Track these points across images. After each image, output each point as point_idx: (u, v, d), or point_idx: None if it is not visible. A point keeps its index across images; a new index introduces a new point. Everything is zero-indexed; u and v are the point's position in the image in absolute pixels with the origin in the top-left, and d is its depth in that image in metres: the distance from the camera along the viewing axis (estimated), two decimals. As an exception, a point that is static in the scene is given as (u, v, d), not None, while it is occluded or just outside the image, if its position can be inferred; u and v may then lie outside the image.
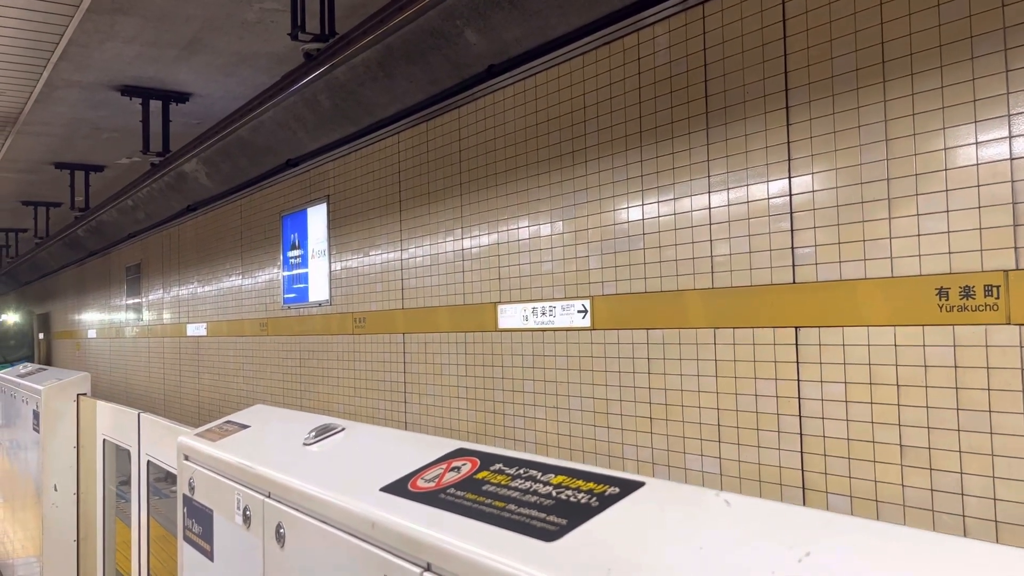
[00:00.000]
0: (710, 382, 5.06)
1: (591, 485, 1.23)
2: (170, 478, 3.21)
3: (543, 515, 1.18)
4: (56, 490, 4.65)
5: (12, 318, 26.67)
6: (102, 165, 13.56)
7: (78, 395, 4.70)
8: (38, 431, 4.78)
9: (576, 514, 1.15)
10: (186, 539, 2.33)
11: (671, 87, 5.32)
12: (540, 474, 1.32)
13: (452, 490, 1.38)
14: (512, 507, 1.24)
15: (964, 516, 3.84)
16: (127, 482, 3.90)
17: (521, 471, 1.35)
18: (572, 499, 1.20)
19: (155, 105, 9.81)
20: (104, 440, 4.30)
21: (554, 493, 1.24)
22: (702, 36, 5.10)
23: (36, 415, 4.85)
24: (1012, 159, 3.65)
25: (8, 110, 9.99)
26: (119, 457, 4.26)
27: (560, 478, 1.28)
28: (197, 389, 13.86)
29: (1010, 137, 3.65)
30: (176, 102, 9.84)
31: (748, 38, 4.82)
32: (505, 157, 6.77)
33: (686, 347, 5.21)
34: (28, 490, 5.20)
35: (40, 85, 8.96)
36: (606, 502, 1.16)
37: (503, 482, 1.33)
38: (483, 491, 1.33)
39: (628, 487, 1.18)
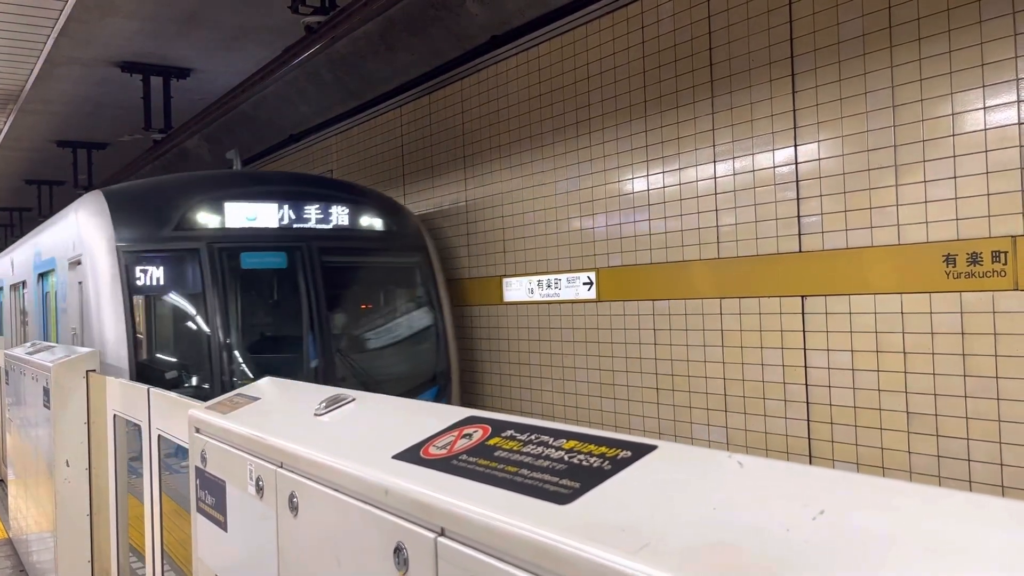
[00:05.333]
0: (716, 352, 5.07)
1: (603, 449, 1.23)
2: (180, 453, 3.23)
3: (556, 479, 1.19)
4: (68, 466, 4.68)
5: (371, 221, 7.04)
6: (104, 143, 13.52)
7: (87, 371, 4.72)
8: (48, 408, 4.81)
9: (589, 477, 1.15)
10: (200, 511, 2.35)
11: (675, 56, 5.28)
12: (552, 439, 1.32)
13: (464, 456, 1.38)
14: (525, 472, 1.25)
15: (970, 482, 3.86)
16: (137, 458, 3.92)
17: (532, 437, 1.36)
18: (584, 463, 1.21)
19: (156, 81, 9.76)
20: (115, 416, 4.32)
21: (566, 458, 1.25)
22: (706, 3, 5.04)
23: (46, 392, 4.88)
24: (1020, 124, 3.62)
25: (9, 88, 9.95)
26: (129, 432, 4.29)
27: (572, 443, 1.29)
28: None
29: (1019, 101, 3.62)
30: (177, 78, 9.79)
31: (753, 4, 4.77)
32: (508, 129, 6.73)
33: (692, 317, 5.22)
34: (40, 467, 5.24)
35: (40, 62, 8.92)
36: (619, 465, 1.17)
37: (515, 448, 1.34)
38: (495, 457, 1.34)
39: (640, 450, 1.19)
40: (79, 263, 6.42)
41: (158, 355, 6.31)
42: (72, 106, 10.98)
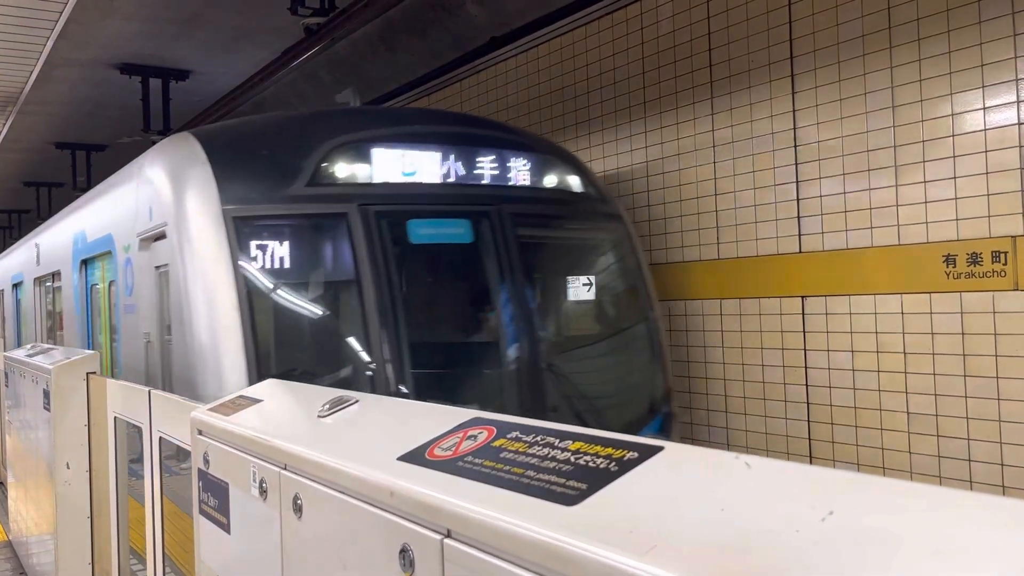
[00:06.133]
0: (716, 352, 5.07)
1: (609, 450, 1.23)
2: (180, 455, 3.23)
3: (562, 480, 1.19)
4: (68, 468, 4.67)
5: (562, 179, 4.87)
6: (103, 144, 13.50)
7: (87, 374, 4.71)
8: (49, 410, 4.80)
9: (596, 478, 1.16)
10: (202, 513, 2.35)
11: (675, 56, 5.28)
12: (557, 441, 1.32)
13: (470, 458, 1.39)
14: (531, 473, 1.25)
15: (971, 482, 3.86)
16: (136, 460, 3.91)
17: (538, 438, 1.36)
18: (591, 464, 1.21)
19: (155, 83, 9.75)
20: (116, 418, 4.31)
21: (572, 459, 1.25)
22: (706, 3, 5.05)
23: (46, 394, 4.87)
24: (1020, 124, 3.63)
25: (8, 90, 9.94)
26: (129, 434, 4.28)
27: (578, 444, 1.29)
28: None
29: (1018, 102, 3.63)
30: (176, 80, 9.78)
31: (753, 5, 4.78)
32: (508, 130, 6.74)
33: (692, 318, 5.22)
34: (40, 469, 5.23)
35: (40, 64, 8.91)
36: (625, 466, 1.17)
37: (520, 449, 1.34)
38: (501, 458, 1.34)
39: (647, 451, 1.19)
40: (161, 238, 4.30)
41: (289, 372, 3.85)
42: (71, 108, 10.97)
